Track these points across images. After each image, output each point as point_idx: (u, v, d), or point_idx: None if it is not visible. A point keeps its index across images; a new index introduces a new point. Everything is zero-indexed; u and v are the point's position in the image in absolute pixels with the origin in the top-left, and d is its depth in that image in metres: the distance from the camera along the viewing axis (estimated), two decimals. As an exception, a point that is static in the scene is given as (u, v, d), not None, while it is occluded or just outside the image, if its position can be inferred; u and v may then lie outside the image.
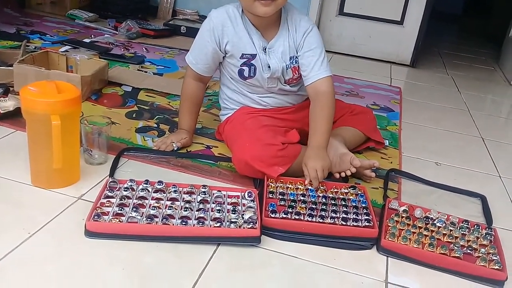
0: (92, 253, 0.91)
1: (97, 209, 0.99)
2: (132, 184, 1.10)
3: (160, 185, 1.10)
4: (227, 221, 1.01)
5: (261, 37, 1.27)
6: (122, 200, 1.04)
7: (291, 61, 1.29)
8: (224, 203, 1.09)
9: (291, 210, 1.06)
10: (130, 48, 2.30)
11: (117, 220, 0.97)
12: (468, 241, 1.07)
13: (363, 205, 1.12)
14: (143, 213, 1.01)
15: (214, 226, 0.98)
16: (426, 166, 1.49)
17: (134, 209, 1.01)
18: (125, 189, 1.07)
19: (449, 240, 1.07)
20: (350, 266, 0.97)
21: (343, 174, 1.24)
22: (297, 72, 1.31)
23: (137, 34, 2.49)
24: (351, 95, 2.08)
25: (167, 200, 1.07)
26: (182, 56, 2.22)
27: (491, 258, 1.01)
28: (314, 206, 1.09)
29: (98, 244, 0.93)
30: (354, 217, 1.06)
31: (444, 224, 1.11)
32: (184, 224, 0.98)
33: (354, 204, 1.12)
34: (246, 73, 1.30)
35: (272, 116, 1.33)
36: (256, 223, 1.00)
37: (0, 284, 0.81)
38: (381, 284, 0.94)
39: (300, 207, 1.08)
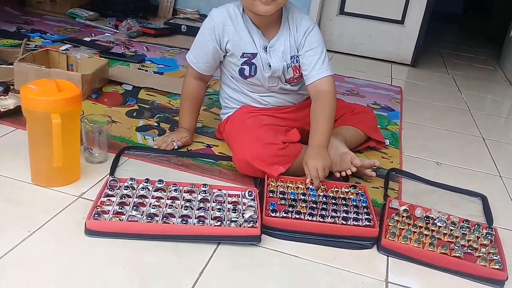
0: (92, 252, 0.91)
1: (97, 207, 0.99)
2: (133, 182, 1.10)
3: (160, 184, 1.10)
4: (228, 220, 1.00)
5: (262, 36, 1.27)
6: (122, 198, 1.04)
7: (292, 60, 1.29)
8: (224, 202, 1.09)
9: (291, 209, 1.06)
10: (130, 47, 2.30)
11: (117, 219, 0.97)
12: (469, 240, 1.07)
13: (364, 205, 1.12)
14: (143, 211, 1.00)
15: (215, 225, 0.98)
16: (427, 166, 1.49)
17: (134, 207, 1.00)
18: (126, 188, 1.07)
19: (450, 240, 1.06)
20: (351, 265, 0.97)
21: (343, 174, 1.24)
22: (298, 71, 1.31)
23: (138, 33, 2.49)
24: (352, 95, 2.08)
25: (168, 199, 1.06)
26: (182, 55, 2.21)
27: (492, 257, 1.01)
28: (314, 206, 1.09)
29: (98, 242, 0.93)
30: (355, 216, 1.06)
31: (444, 224, 1.11)
32: (184, 223, 0.98)
33: (354, 203, 1.12)
34: (246, 72, 1.29)
35: (273, 115, 1.33)
36: (256, 222, 1.00)
37: (0, 283, 0.81)
38: (381, 284, 0.94)
39: (301, 206, 1.08)
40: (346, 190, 1.18)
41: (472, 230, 1.11)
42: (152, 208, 1.01)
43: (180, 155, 1.31)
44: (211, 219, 1.01)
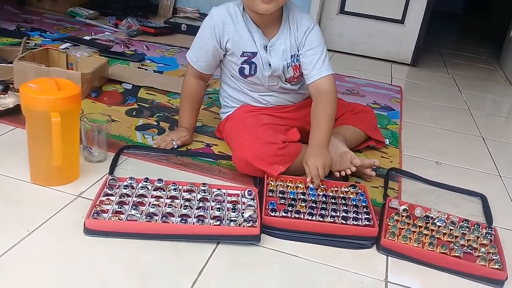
0: (91, 251, 0.90)
1: (97, 207, 0.99)
2: (132, 182, 1.10)
3: (159, 183, 1.10)
4: (227, 220, 1.00)
5: (262, 35, 1.27)
6: (121, 198, 1.03)
7: (292, 59, 1.29)
8: (224, 201, 1.08)
9: (291, 209, 1.05)
10: (130, 46, 2.30)
11: (117, 218, 0.97)
12: (468, 240, 1.07)
13: (363, 204, 1.11)
14: (142, 211, 1.00)
15: (214, 225, 0.98)
16: (427, 165, 1.48)
17: (133, 207, 1.00)
18: (125, 187, 1.07)
19: (449, 240, 1.06)
20: (350, 265, 0.97)
21: (343, 173, 1.24)
22: (298, 71, 1.31)
23: (138, 32, 2.49)
24: (352, 94, 2.08)
25: (167, 198, 1.06)
26: (182, 54, 2.21)
27: (491, 257, 1.01)
28: (314, 205, 1.08)
29: (97, 242, 0.93)
30: (354, 216, 1.06)
31: (444, 223, 1.11)
32: (183, 222, 0.98)
33: (354, 203, 1.12)
34: (246, 71, 1.29)
35: (273, 115, 1.33)
36: (256, 221, 1.00)
37: (0, 281, 0.81)
38: (381, 283, 0.93)
39: (300, 205, 1.07)
40: (346, 189, 1.18)
41: (471, 230, 1.10)
42: (151, 207, 1.01)
43: (180, 154, 1.31)
44: (211, 218, 1.01)
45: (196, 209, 1.03)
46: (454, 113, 2.07)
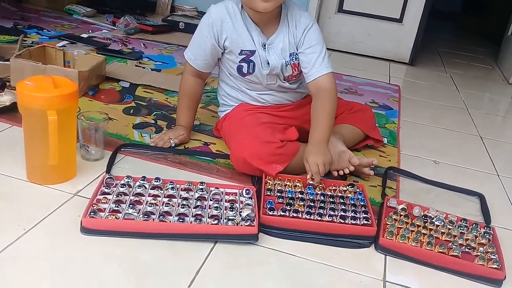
0: (87, 250, 0.90)
1: (93, 205, 0.98)
2: (129, 180, 1.09)
3: (157, 181, 1.09)
4: (225, 219, 1.00)
5: (260, 33, 1.26)
6: (118, 196, 1.03)
7: (291, 57, 1.28)
8: (221, 200, 1.08)
9: (289, 208, 1.05)
10: (128, 44, 2.29)
11: (114, 217, 0.96)
12: (467, 239, 1.07)
13: (362, 203, 1.11)
14: (139, 210, 1.00)
15: (212, 224, 0.98)
16: (425, 164, 1.48)
17: (130, 205, 1.00)
18: (122, 186, 1.07)
19: (448, 239, 1.06)
20: (348, 264, 0.96)
21: (341, 172, 1.24)
22: (297, 69, 1.30)
23: (135, 30, 2.48)
24: (350, 93, 2.08)
25: (164, 197, 1.06)
26: (180, 52, 2.21)
27: (490, 257, 1.00)
28: (312, 204, 1.08)
29: (94, 240, 0.92)
30: (353, 215, 1.06)
31: (442, 223, 1.11)
32: (181, 221, 0.97)
33: (352, 202, 1.12)
34: (245, 70, 1.29)
35: (271, 114, 1.33)
36: (253, 220, 0.99)
37: (-5, 281, 0.80)
38: (379, 283, 0.93)
39: (298, 204, 1.07)
40: (344, 188, 1.17)
41: (470, 229, 1.10)
42: (148, 206, 1.00)
43: (177, 153, 1.31)
44: (208, 217, 1.00)
45: (194, 208, 1.02)
46: (452, 112, 2.07)
